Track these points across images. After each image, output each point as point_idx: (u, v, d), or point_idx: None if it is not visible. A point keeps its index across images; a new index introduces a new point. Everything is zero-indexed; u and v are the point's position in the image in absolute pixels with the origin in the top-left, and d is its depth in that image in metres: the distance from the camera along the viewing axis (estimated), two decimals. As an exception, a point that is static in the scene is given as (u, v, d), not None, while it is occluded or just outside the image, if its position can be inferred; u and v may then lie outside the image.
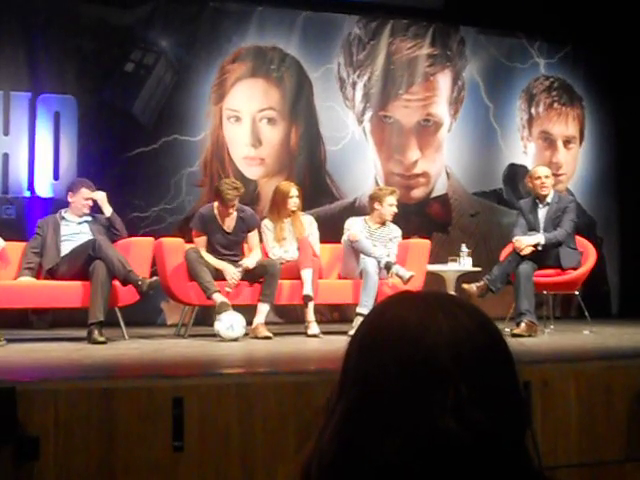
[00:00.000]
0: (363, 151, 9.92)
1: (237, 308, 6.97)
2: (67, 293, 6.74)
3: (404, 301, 1.07)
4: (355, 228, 7.76)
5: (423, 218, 10.00)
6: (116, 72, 8.96)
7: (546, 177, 7.64)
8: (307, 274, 7.29)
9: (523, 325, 7.05)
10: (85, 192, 7.18)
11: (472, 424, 0.98)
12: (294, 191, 7.74)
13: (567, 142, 10.86)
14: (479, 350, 1.02)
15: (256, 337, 6.92)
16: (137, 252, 7.06)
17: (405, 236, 8.08)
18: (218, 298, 6.93)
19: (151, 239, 7.37)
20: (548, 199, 7.63)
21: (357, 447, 1.01)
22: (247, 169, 9.40)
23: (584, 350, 6.03)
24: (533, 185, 7.68)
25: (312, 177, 9.61)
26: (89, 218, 7.21)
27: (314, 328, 7.20)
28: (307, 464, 1.05)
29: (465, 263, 8.37)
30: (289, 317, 8.73)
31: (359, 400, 1.02)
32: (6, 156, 8.55)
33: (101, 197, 7.23)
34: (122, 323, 6.84)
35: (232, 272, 7.18)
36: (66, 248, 6.99)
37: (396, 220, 7.96)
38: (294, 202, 7.70)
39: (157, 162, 9.00)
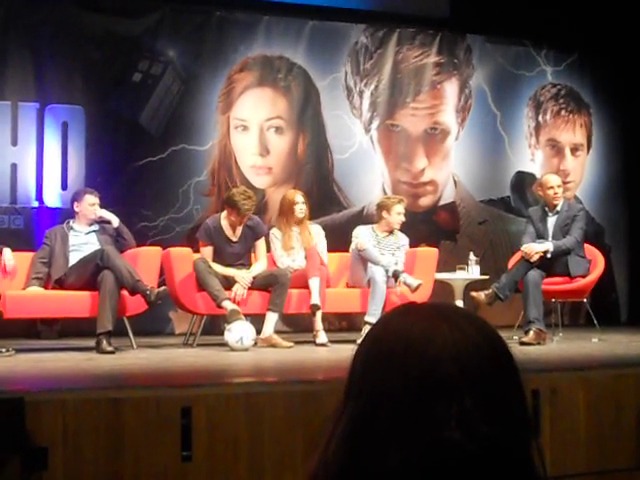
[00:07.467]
0: (370, 160, 9.91)
1: (246, 317, 6.96)
2: (75, 303, 6.75)
3: (408, 313, 1.07)
4: (363, 237, 7.75)
5: (431, 226, 9.99)
6: (123, 82, 8.98)
7: (558, 187, 7.62)
8: (315, 283, 7.28)
9: (532, 333, 7.04)
10: (89, 198, 7.19)
11: (476, 435, 0.98)
12: (299, 197, 7.74)
13: (575, 149, 10.85)
14: (484, 362, 1.02)
15: (274, 347, 6.92)
16: (145, 262, 7.07)
17: (413, 244, 8.08)
18: (228, 305, 6.93)
19: (159, 249, 7.37)
20: (558, 207, 7.61)
21: (362, 458, 1.01)
22: (255, 178, 9.40)
23: (593, 358, 6.02)
24: (545, 194, 7.65)
25: (320, 186, 9.60)
26: (97, 228, 7.22)
27: (322, 337, 7.20)
28: (314, 474, 1.05)
29: (473, 271, 8.36)
30: (297, 326, 8.71)
31: (364, 411, 1.02)
32: (14, 166, 8.57)
33: (104, 212, 7.25)
34: (130, 333, 6.84)
35: (242, 276, 7.19)
36: (74, 258, 7.00)
37: (404, 228, 7.95)
38: (300, 209, 7.70)
39: (165, 172, 9.01)
